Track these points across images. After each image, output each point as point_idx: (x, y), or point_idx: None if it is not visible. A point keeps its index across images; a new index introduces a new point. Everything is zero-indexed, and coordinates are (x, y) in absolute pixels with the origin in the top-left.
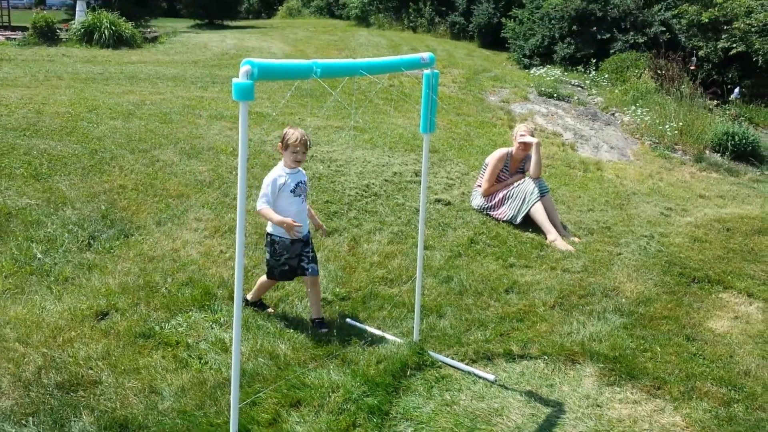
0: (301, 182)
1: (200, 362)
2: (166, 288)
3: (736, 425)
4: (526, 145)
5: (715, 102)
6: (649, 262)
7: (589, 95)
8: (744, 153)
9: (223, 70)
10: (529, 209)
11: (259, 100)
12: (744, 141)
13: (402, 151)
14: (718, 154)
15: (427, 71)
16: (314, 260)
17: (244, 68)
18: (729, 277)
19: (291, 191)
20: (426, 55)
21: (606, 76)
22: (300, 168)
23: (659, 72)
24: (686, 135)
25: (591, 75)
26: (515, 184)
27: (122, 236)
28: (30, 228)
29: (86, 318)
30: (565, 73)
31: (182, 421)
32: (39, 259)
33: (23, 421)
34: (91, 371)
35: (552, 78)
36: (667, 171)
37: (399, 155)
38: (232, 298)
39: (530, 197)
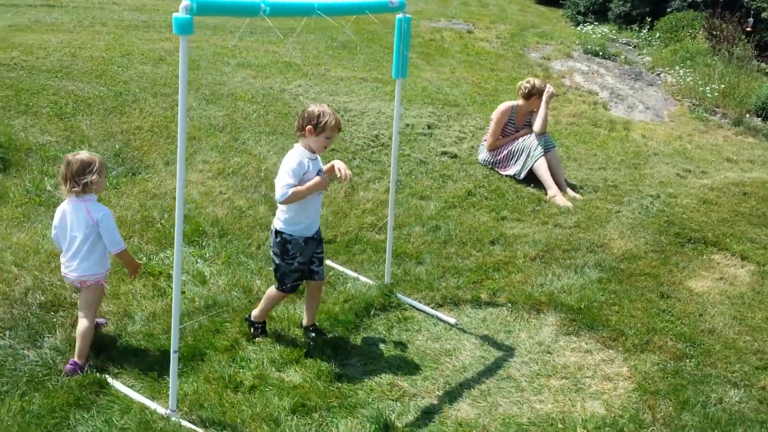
0: (320, 171)
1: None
2: (161, 223)
3: (680, 378)
4: (539, 98)
5: None
6: (647, 221)
7: (639, 54)
8: None
9: (266, 21)
10: (533, 164)
11: (291, 50)
12: None
13: (420, 104)
14: (760, 119)
15: (399, 15)
16: (323, 262)
17: (184, 3)
18: (727, 240)
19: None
20: None
21: (658, 35)
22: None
23: (714, 33)
24: (729, 98)
25: (643, 34)
26: (520, 139)
27: (130, 174)
28: (46, 163)
29: None
30: (620, 32)
31: (146, 342)
32: (49, 191)
33: (0, 335)
34: (74, 294)
35: (599, 35)
36: (700, 133)
37: (416, 108)
38: (221, 236)
39: (534, 152)
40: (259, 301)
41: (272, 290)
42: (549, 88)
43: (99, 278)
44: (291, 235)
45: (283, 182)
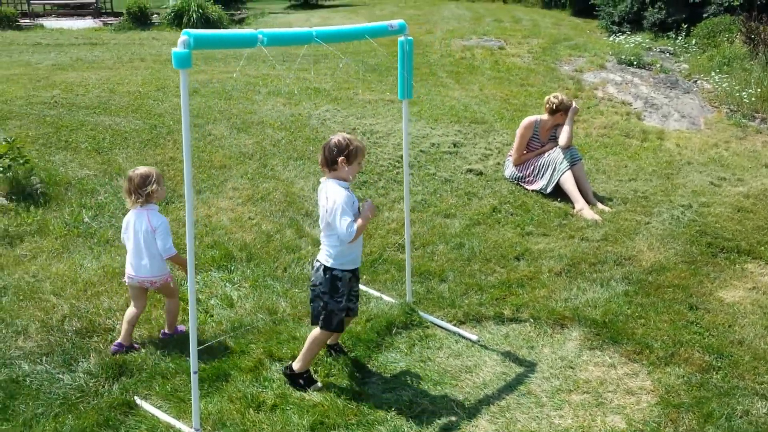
0: (355, 199)
1: (206, 315)
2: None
3: (705, 391)
4: (564, 114)
5: None
6: (678, 231)
7: (676, 62)
8: None
9: (299, 48)
10: (559, 178)
11: (321, 76)
12: None
13: (447, 123)
14: None
15: (401, 38)
16: (359, 298)
17: (181, 38)
18: (762, 248)
19: (354, 214)
20: (395, 22)
21: (694, 41)
22: None
23: (751, 36)
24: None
25: (679, 41)
26: (546, 154)
27: (164, 203)
28: (84, 196)
29: (116, 275)
30: (656, 40)
31: (173, 364)
32: (86, 223)
33: (38, 360)
34: (108, 320)
35: (632, 45)
36: (738, 140)
37: (442, 127)
38: (250, 260)
39: (560, 166)
40: (284, 322)
41: (316, 333)
42: (574, 104)
43: (165, 277)
44: (341, 271)
45: (345, 221)
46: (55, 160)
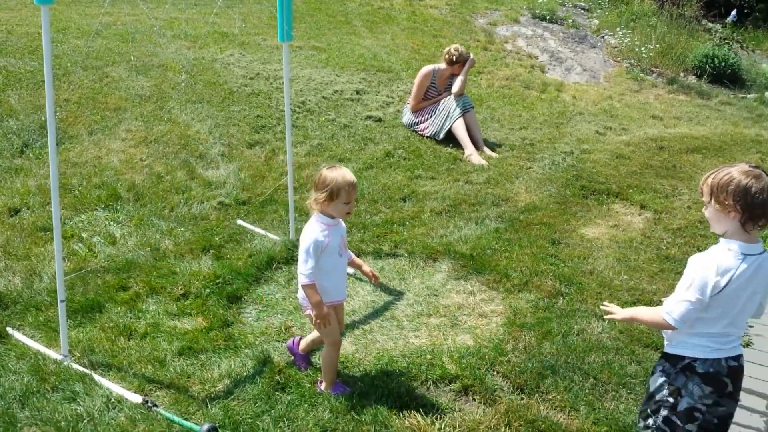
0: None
1: (88, 252)
2: (78, 190)
3: (549, 313)
4: (462, 65)
5: (719, 25)
6: (556, 175)
7: (588, 18)
8: (723, 76)
9: None
10: (451, 125)
11: (232, 20)
12: (723, 64)
13: (353, 71)
14: (695, 77)
15: None
16: None
17: None
18: (630, 191)
19: None
20: None
21: None
22: None
23: None
24: (666, 58)
25: None
26: (441, 102)
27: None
28: None
29: (1, 212)
30: None
31: (48, 297)
32: None
33: None
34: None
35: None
36: (632, 93)
37: (347, 74)
38: (138, 200)
39: (453, 113)
40: (165, 258)
41: None
42: (471, 56)
43: (305, 306)
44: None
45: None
46: None
